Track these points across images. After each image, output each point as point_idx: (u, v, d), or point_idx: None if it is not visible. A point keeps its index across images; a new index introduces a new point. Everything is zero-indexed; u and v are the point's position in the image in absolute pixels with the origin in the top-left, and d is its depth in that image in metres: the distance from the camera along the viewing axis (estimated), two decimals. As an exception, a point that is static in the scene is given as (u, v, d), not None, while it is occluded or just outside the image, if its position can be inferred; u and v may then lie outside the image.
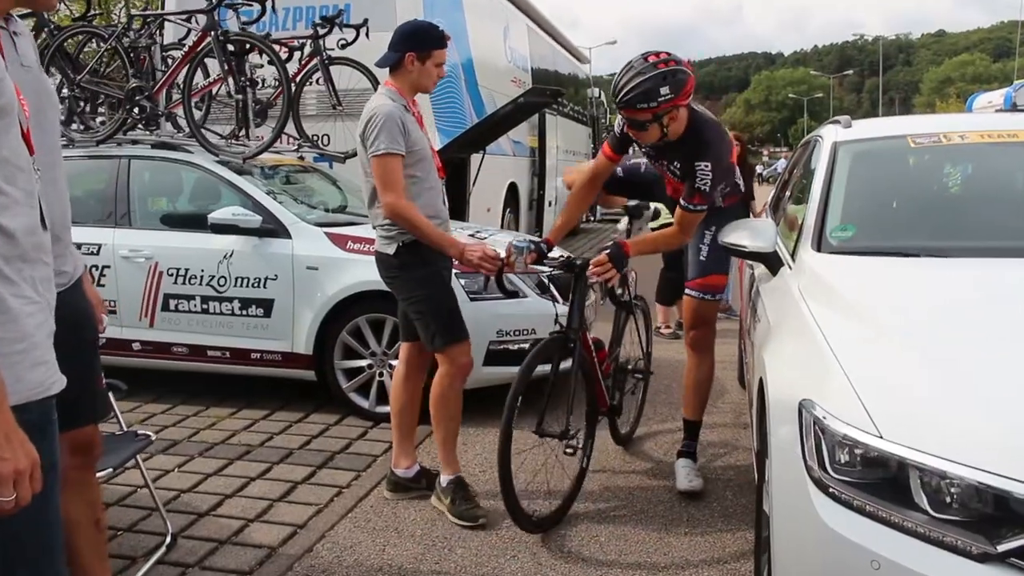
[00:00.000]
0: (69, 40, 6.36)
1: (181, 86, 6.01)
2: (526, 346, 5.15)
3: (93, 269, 5.54)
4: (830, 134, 3.95)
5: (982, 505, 1.87)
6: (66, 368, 2.38)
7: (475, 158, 9.79)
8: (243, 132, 6.13)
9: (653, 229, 5.41)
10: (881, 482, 1.99)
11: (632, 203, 4.83)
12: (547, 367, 3.87)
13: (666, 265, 7.69)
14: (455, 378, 3.91)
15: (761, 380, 2.74)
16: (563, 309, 4.49)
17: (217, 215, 5.31)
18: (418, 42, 3.84)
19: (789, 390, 2.33)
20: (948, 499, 1.90)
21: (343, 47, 6.55)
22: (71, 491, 2.53)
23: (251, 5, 6.30)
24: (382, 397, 5.22)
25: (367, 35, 6.72)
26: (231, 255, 5.37)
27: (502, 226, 11.19)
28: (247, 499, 4.09)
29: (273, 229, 5.35)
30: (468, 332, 3.96)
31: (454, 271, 4.92)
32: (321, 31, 6.52)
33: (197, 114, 6.21)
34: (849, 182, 3.53)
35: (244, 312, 5.37)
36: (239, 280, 5.37)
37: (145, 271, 5.54)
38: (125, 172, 5.79)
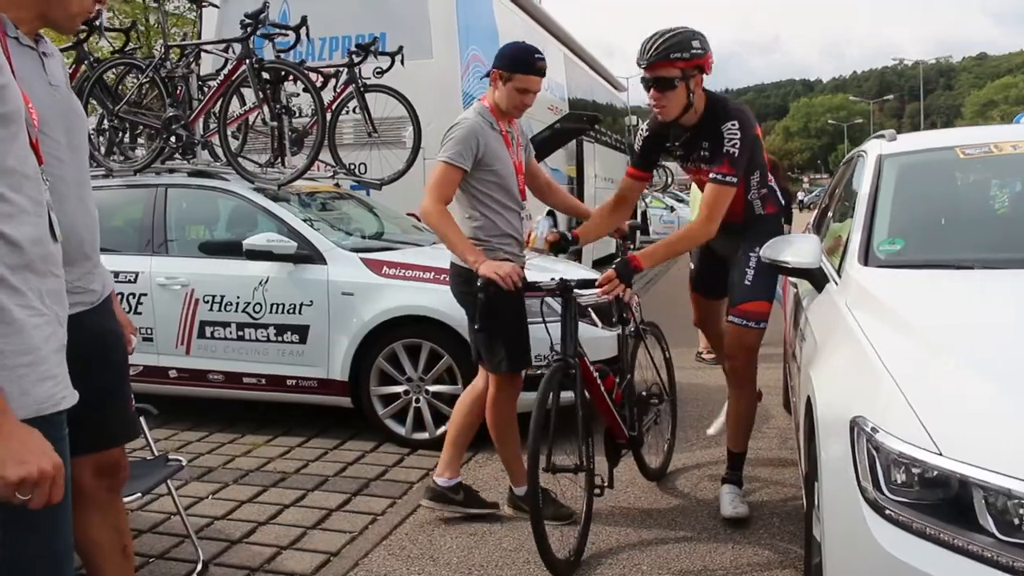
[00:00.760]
0: (109, 72, 6.42)
1: (217, 115, 6.03)
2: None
3: (130, 297, 5.55)
4: (874, 148, 3.82)
5: (1053, 526, 1.74)
6: (93, 389, 2.33)
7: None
8: (279, 160, 6.13)
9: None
10: (942, 503, 1.86)
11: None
12: (567, 394, 3.68)
13: None
14: (514, 399, 3.94)
15: (809, 399, 2.61)
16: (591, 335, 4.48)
17: (252, 241, 5.30)
18: (506, 61, 3.81)
19: (839, 407, 2.22)
20: (1016, 520, 1.77)
21: (379, 75, 6.56)
22: (97, 515, 2.49)
23: (286, 35, 6.34)
24: (418, 424, 5.15)
25: (402, 62, 6.74)
26: (267, 281, 5.35)
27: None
28: (281, 526, 4.02)
29: (308, 255, 5.33)
30: (529, 359, 3.93)
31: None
32: (356, 59, 6.54)
33: (234, 143, 6.24)
34: (896, 195, 3.40)
35: (279, 338, 5.33)
36: (274, 306, 5.34)
37: (181, 298, 5.53)
38: (162, 200, 5.81)
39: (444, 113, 6.84)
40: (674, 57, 3.56)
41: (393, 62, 6.70)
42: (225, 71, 6.02)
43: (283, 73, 5.94)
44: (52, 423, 1.54)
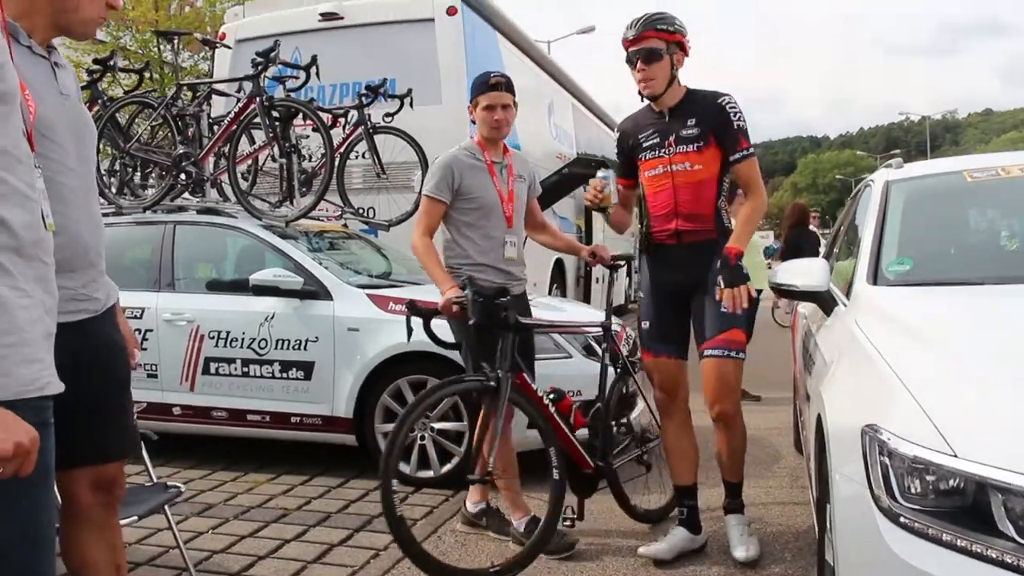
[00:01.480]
0: (121, 110, 6.48)
1: (227, 154, 6.06)
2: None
3: (135, 333, 5.52)
4: (881, 176, 3.82)
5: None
6: (94, 399, 2.31)
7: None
8: (288, 200, 6.14)
9: None
10: (958, 508, 1.80)
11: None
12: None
13: None
14: None
15: (819, 417, 2.56)
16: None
17: (258, 276, 5.29)
18: (471, 92, 4.02)
19: (850, 417, 2.16)
20: (1037, 523, 1.71)
21: (388, 119, 6.61)
22: (93, 532, 2.43)
23: (296, 77, 6.40)
24: (423, 462, 5.08)
25: (411, 105, 6.80)
26: (272, 317, 5.32)
27: (549, 292, 11.08)
28: (280, 560, 3.94)
29: (314, 291, 5.31)
30: None
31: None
32: (365, 100, 6.60)
33: (243, 183, 6.26)
34: (904, 217, 3.38)
35: (284, 375, 5.29)
36: (280, 342, 5.31)
37: (187, 334, 5.51)
38: (170, 237, 5.82)
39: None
40: (660, 28, 3.63)
41: (402, 105, 6.75)
42: (235, 109, 6.07)
43: (293, 111, 5.98)
44: (35, 408, 1.50)
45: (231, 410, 5.45)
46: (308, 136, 6.50)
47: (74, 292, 2.22)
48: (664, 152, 3.74)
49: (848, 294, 3.18)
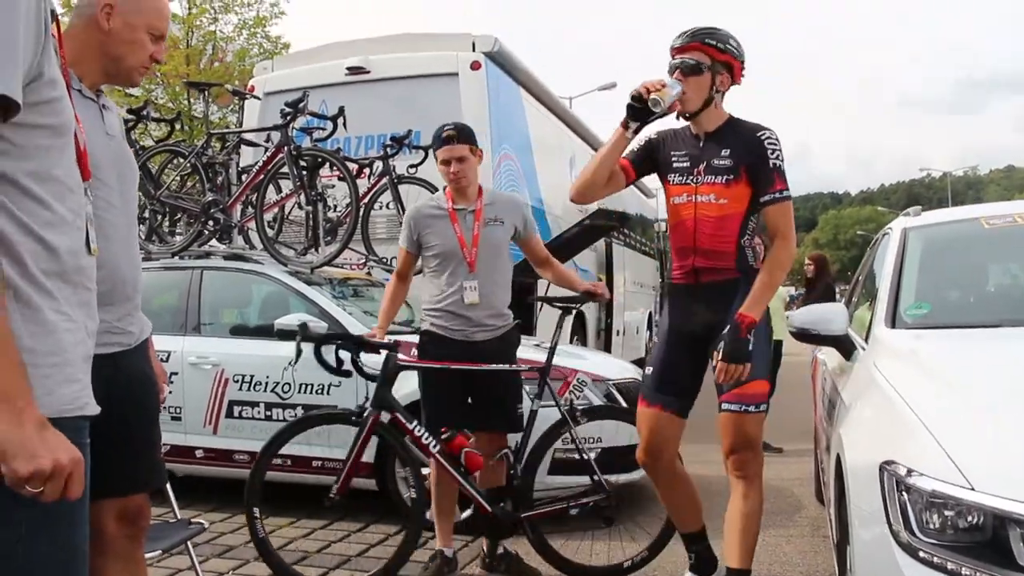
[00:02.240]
0: (153, 159, 6.64)
1: (254, 202, 6.18)
2: (593, 455, 5.02)
3: (161, 376, 5.60)
4: (900, 223, 3.88)
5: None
6: (124, 430, 2.37)
7: (541, 283, 9.82)
8: (313, 248, 6.25)
9: None
10: (978, 542, 1.82)
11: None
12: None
13: None
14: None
15: (838, 456, 2.58)
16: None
17: (283, 321, 5.35)
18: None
19: (868, 455, 2.19)
20: (1055, 556, 1.72)
21: (412, 169, 6.73)
22: (118, 564, 2.47)
23: (324, 128, 6.54)
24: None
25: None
26: (295, 361, 5.37)
27: (571, 341, 11.09)
28: (300, 601, 3.95)
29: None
30: (442, 422, 4.15)
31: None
32: (391, 151, 6.73)
33: (270, 230, 6.38)
34: (922, 263, 3.44)
35: (309, 418, 5.33)
36: (303, 387, 5.37)
37: (211, 378, 5.58)
38: (197, 282, 5.92)
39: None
40: (708, 43, 3.32)
41: (427, 155, 6.87)
42: (264, 158, 6.20)
43: (320, 161, 6.10)
44: (74, 428, 1.55)
45: (253, 453, 5.47)
46: (334, 185, 6.63)
47: (109, 325, 2.29)
48: (691, 180, 3.40)
49: (867, 338, 3.21)
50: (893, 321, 3.07)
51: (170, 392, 5.52)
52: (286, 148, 5.95)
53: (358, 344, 4.12)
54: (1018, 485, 1.80)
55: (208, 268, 6.01)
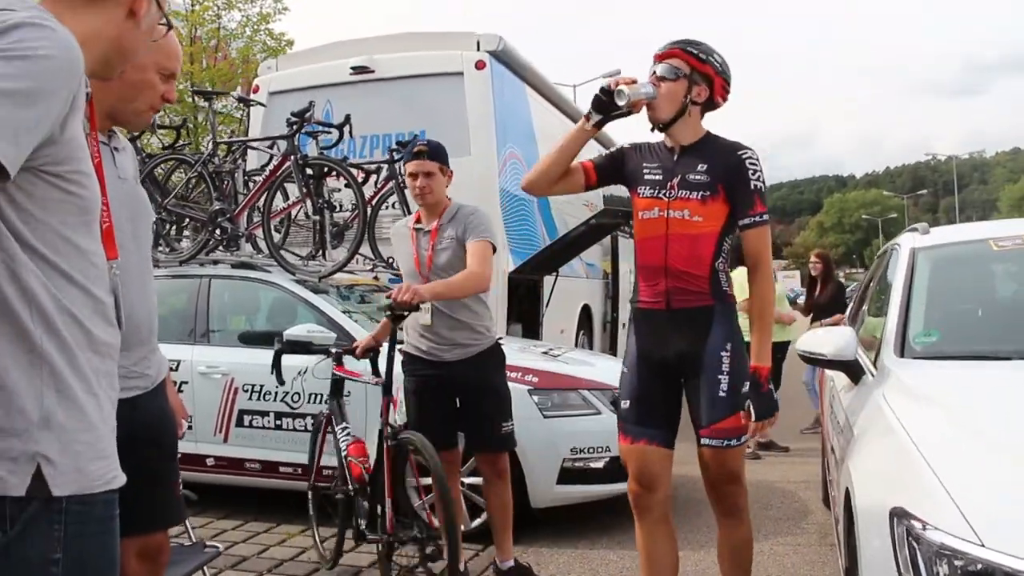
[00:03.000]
0: (159, 167, 6.65)
1: (261, 209, 6.21)
2: (601, 464, 5.07)
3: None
4: (908, 241, 3.87)
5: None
6: (142, 471, 2.39)
7: (548, 280, 9.84)
8: (320, 253, 6.27)
9: None
10: (986, 595, 1.85)
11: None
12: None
13: None
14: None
15: (847, 491, 2.60)
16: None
17: (292, 332, 5.37)
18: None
19: (878, 499, 2.21)
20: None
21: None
22: (137, 599, 2.51)
23: (329, 132, 6.55)
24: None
25: (441, 159, 6.92)
26: (305, 372, 5.41)
27: (576, 343, 11.14)
28: (314, 617, 4.00)
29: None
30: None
31: (527, 387, 4.95)
32: (396, 155, 6.73)
33: (276, 236, 6.40)
34: (931, 287, 3.44)
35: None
36: (312, 396, 5.40)
37: (221, 387, 5.62)
38: (206, 291, 5.96)
39: (482, 209, 6.99)
40: (690, 51, 3.15)
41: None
42: (270, 166, 6.22)
43: (326, 169, 6.12)
44: (104, 502, 1.58)
45: (264, 462, 5.53)
46: (340, 189, 6.64)
47: (127, 370, 2.31)
48: (663, 194, 3.18)
49: (875, 363, 3.23)
50: (902, 350, 3.09)
51: (188, 426, 5.60)
52: (292, 158, 5.96)
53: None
54: (1027, 542, 1.82)
55: (216, 276, 6.05)
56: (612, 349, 13.41)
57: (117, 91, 2.32)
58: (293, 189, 6.40)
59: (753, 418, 3.07)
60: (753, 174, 3.12)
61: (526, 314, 9.10)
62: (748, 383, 3.09)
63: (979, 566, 1.85)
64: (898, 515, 2.05)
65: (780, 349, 7.49)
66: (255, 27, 16.24)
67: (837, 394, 3.78)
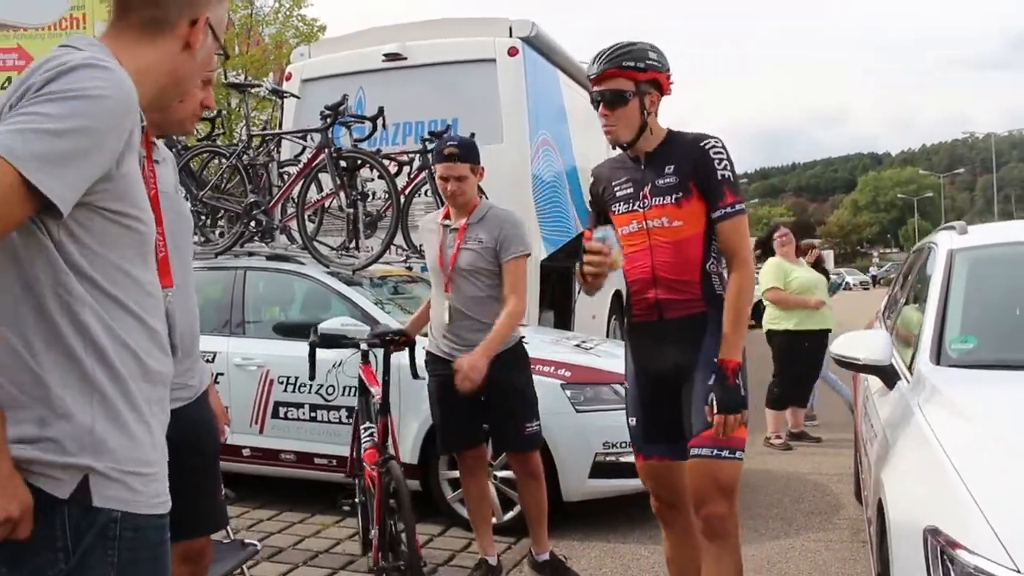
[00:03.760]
0: (194, 158, 6.72)
1: (295, 200, 6.26)
2: (633, 459, 5.08)
3: (208, 377, 5.73)
4: (945, 241, 3.83)
5: None
6: (185, 478, 2.43)
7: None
8: (353, 244, 6.31)
9: None
10: (1022, 620, 1.85)
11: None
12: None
13: (780, 370, 7.53)
14: (465, 474, 4.44)
15: (880, 502, 2.61)
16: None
17: (327, 325, 5.43)
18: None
19: (912, 515, 2.21)
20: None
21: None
22: (179, 602, 2.58)
23: (363, 123, 6.58)
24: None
25: (473, 149, 6.93)
26: (340, 364, 5.47)
27: (607, 334, 11.14)
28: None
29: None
30: (452, 444, 4.40)
31: (560, 382, 4.96)
32: (429, 145, 6.75)
33: (310, 227, 6.45)
34: (968, 291, 3.40)
35: (351, 420, 5.42)
36: (347, 389, 5.45)
37: (257, 379, 5.69)
38: (241, 283, 6.03)
39: (514, 196, 6.99)
40: (627, 66, 3.00)
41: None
42: (304, 158, 6.26)
43: (359, 161, 6.15)
44: (155, 528, 1.63)
45: (299, 453, 5.61)
46: (373, 180, 6.67)
47: (173, 383, 2.36)
48: (638, 205, 3.10)
49: (910, 368, 3.21)
50: (938, 357, 3.06)
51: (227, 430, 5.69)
52: (327, 150, 6.00)
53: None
54: (1064, 569, 1.82)
55: (251, 268, 6.12)
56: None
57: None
58: (326, 179, 6.44)
59: (716, 410, 2.87)
60: (719, 163, 2.99)
61: (558, 301, 9.10)
62: (713, 376, 2.92)
63: (1014, 590, 1.85)
64: (932, 533, 2.06)
65: (821, 338, 7.44)
66: (287, 13, 16.31)
67: (871, 395, 3.76)
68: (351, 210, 6.06)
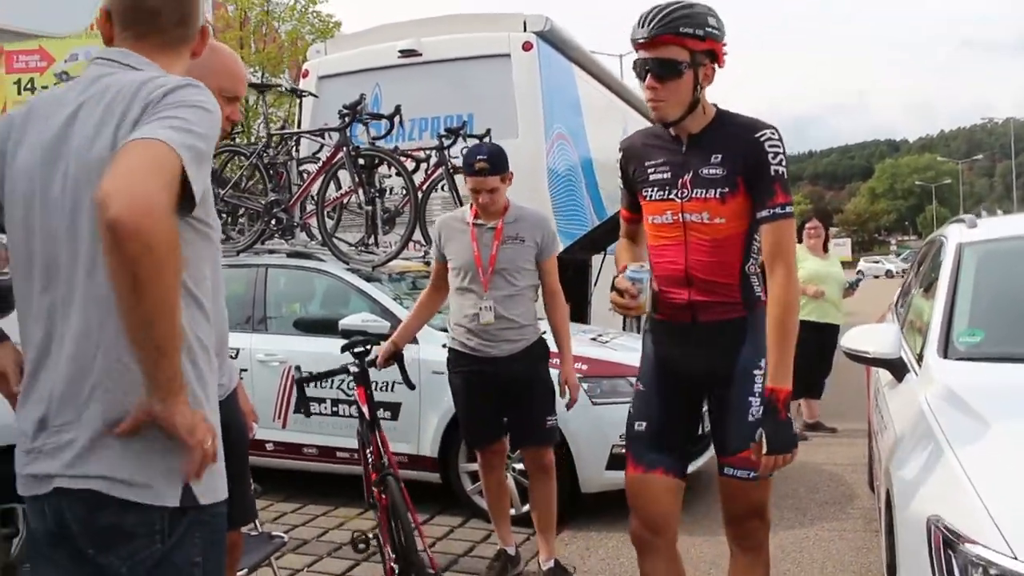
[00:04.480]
0: (214, 158, 6.84)
1: (315, 198, 6.36)
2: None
3: (232, 373, 5.85)
4: (954, 235, 3.89)
5: None
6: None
7: (596, 259, 9.91)
8: (372, 240, 6.42)
9: None
10: (1020, 605, 1.93)
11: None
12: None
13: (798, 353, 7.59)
14: (485, 469, 4.48)
15: (888, 493, 2.69)
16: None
17: (347, 321, 5.52)
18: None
19: (917, 506, 2.29)
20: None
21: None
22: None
23: (380, 119, 6.67)
24: (504, 499, 5.28)
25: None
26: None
27: (624, 327, 11.22)
28: (374, 599, 4.18)
29: (400, 334, 5.55)
30: (479, 440, 4.44)
31: (576, 375, 5.05)
32: (446, 142, 6.84)
33: (329, 223, 6.56)
34: (976, 285, 3.46)
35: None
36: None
37: (279, 374, 5.81)
38: (263, 279, 6.15)
39: (530, 190, 7.06)
40: (684, 32, 2.59)
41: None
42: (323, 157, 6.37)
43: (377, 159, 6.25)
44: (222, 514, 1.79)
45: (321, 447, 5.73)
46: (390, 176, 6.77)
47: None
48: (675, 194, 2.76)
49: (919, 361, 3.28)
50: (945, 350, 3.13)
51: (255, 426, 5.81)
52: (345, 148, 6.10)
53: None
54: (1061, 556, 1.90)
55: (272, 266, 6.24)
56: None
57: None
58: (345, 177, 6.54)
59: (765, 450, 2.58)
60: (774, 158, 2.65)
61: (575, 294, 9.18)
62: (762, 408, 2.65)
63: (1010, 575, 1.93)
64: (935, 523, 2.14)
65: (825, 331, 7.49)
66: (303, 9, 16.42)
67: (881, 387, 3.83)
68: (369, 208, 6.16)
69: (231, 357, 5.78)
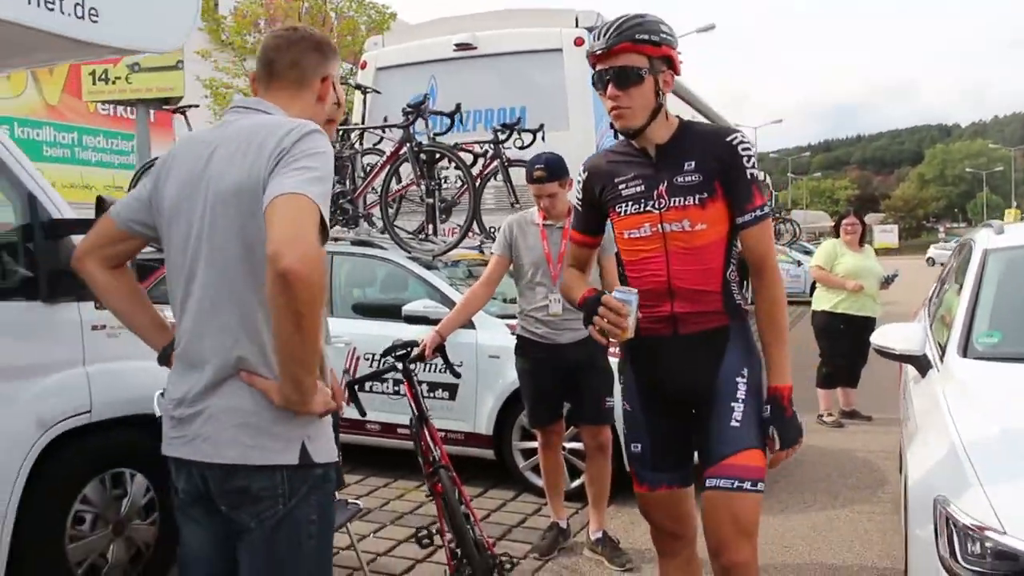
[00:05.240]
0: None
1: (378, 190, 6.76)
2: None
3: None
4: (982, 240, 4.17)
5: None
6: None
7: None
8: (431, 229, 6.80)
9: None
10: (1011, 571, 2.27)
11: None
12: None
13: (823, 350, 7.87)
14: (545, 449, 4.84)
15: (905, 477, 3.02)
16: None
17: (410, 307, 5.95)
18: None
19: (927, 487, 2.64)
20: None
21: (521, 149, 7.18)
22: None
23: (440, 115, 7.04)
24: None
25: (543, 138, 7.35)
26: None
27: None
28: (434, 564, 4.58)
29: (460, 320, 5.93)
30: (541, 420, 4.76)
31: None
32: (501, 136, 7.19)
33: (390, 212, 6.95)
34: (998, 289, 3.76)
35: (431, 395, 5.94)
36: (428, 366, 5.92)
37: (344, 355, 6.23)
38: (328, 266, 6.56)
39: (580, 182, 7.38)
40: (640, 39, 2.61)
41: (535, 138, 7.31)
42: (387, 151, 6.76)
43: (438, 155, 6.62)
44: (331, 478, 2.16)
45: (383, 424, 6.14)
46: (448, 167, 7.15)
47: None
48: (652, 206, 2.71)
49: (942, 358, 3.59)
50: (965, 349, 3.44)
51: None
52: (408, 144, 6.48)
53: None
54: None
55: (338, 253, 6.65)
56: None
57: None
58: (405, 169, 6.91)
59: (778, 446, 2.64)
60: (748, 161, 2.64)
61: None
62: (768, 407, 2.66)
63: (1003, 548, 2.27)
64: (939, 501, 2.48)
65: (862, 323, 7.71)
66: (360, 0, 16.79)
67: (908, 381, 4.14)
68: (430, 200, 6.53)
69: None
